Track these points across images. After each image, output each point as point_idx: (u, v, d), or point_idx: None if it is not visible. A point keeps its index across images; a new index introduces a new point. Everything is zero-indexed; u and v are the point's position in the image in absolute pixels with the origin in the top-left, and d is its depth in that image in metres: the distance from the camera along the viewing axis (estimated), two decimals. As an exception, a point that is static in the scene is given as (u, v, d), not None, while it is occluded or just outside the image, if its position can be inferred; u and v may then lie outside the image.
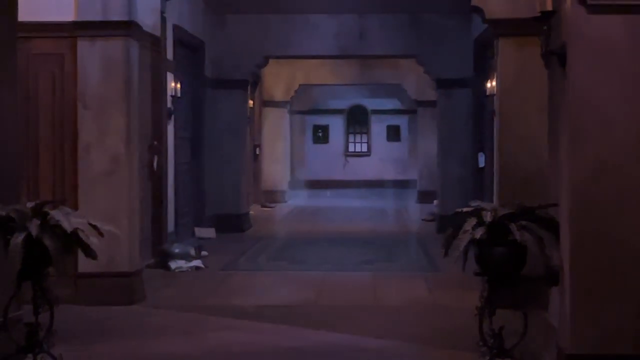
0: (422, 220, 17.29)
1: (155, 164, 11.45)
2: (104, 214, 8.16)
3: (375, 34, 15.87)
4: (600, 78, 5.61)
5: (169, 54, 12.43)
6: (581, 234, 5.63)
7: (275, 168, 23.81)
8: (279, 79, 23.12)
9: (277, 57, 17.03)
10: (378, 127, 32.57)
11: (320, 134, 32.70)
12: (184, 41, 13.52)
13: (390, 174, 30.83)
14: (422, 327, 8.13)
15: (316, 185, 30.05)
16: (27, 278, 5.84)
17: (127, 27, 8.85)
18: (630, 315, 5.63)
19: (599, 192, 5.62)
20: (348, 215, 20.30)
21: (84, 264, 8.18)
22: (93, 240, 6.07)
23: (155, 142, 11.52)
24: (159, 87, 11.78)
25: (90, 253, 6.10)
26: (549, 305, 6.52)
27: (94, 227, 6.09)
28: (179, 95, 12.84)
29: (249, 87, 16.80)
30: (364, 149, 32.99)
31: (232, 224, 15.68)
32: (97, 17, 8.82)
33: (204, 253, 12.13)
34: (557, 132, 6.15)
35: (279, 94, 23.57)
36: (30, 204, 6.02)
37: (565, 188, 5.74)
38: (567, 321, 5.70)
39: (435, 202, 16.80)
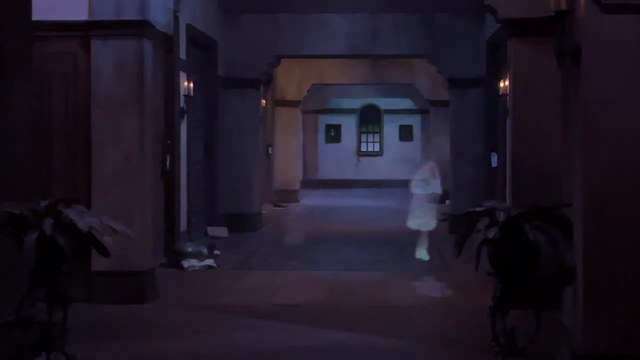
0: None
1: (168, 163, 11.47)
2: (116, 212, 8.16)
3: (387, 34, 15.84)
4: (614, 77, 5.59)
5: (182, 53, 12.45)
6: (595, 233, 5.61)
7: (288, 167, 23.79)
8: (291, 79, 23.12)
9: (290, 57, 17.05)
10: (390, 127, 32.53)
11: (332, 134, 32.69)
12: (197, 40, 13.53)
13: (402, 174, 30.79)
14: (434, 326, 8.13)
15: (328, 184, 30.05)
16: (40, 276, 5.86)
17: (140, 27, 8.87)
18: (643, 315, 5.61)
19: (613, 191, 5.60)
20: (360, 214, 20.30)
21: (97, 263, 8.21)
22: (106, 239, 6.09)
23: (168, 141, 11.54)
24: (172, 86, 11.80)
25: (103, 252, 6.12)
26: (562, 306, 6.51)
27: (108, 227, 6.11)
28: (191, 94, 12.85)
29: (261, 87, 16.80)
30: (376, 148, 32.96)
31: (245, 223, 15.68)
32: (110, 16, 8.84)
33: (216, 252, 12.14)
34: (570, 132, 6.14)
35: (291, 93, 23.57)
36: (44, 203, 6.04)
37: (579, 187, 5.73)
38: (580, 321, 5.69)
39: (447, 201, 16.76)
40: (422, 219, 12.25)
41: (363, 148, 32.95)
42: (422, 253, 12.20)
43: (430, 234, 12.41)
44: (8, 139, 6.47)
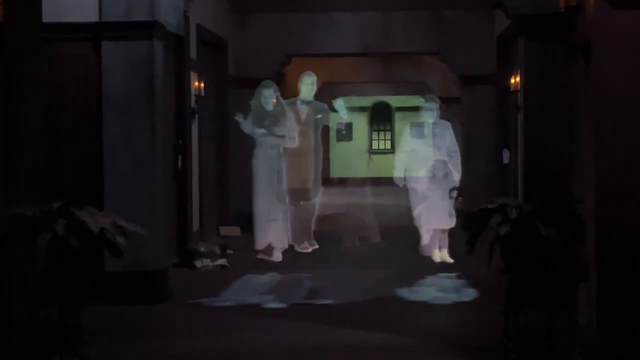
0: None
1: (179, 163, 11.48)
2: (128, 213, 8.16)
3: (398, 32, 15.80)
4: (624, 73, 5.57)
5: (193, 54, 12.46)
6: (607, 229, 5.60)
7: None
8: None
9: (300, 56, 17.01)
10: (402, 125, 32.50)
11: (343, 132, 32.65)
12: (207, 40, 13.54)
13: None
14: (448, 324, 8.12)
15: (340, 183, 30.02)
16: (53, 278, 5.88)
17: (151, 28, 8.88)
18: (657, 311, 5.59)
19: (624, 188, 5.58)
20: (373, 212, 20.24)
21: (110, 263, 8.23)
22: (119, 240, 6.10)
23: (180, 142, 11.55)
24: (183, 86, 11.81)
25: (116, 252, 6.14)
26: (576, 303, 6.49)
27: (120, 227, 6.13)
28: (202, 94, 12.86)
29: (272, 86, 16.76)
30: (388, 146, 32.94)
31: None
32: (120, 17, 8.85)
33: (229, 252, 12.14)
34: (582, 128, 6.12)
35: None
36: (56, 204, 6.06)
37: (591, 183, 5.71)
38: (594, 317, 5.67)
39: (459, 198, 16.71)
40: (441, 215, 12.09)
41: (374, 146, 32.92)
42: (444, 255, 12.03)
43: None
44: (19, 141, 6.49)
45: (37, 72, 6.83)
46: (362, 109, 32.45)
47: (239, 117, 12.12)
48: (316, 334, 7.75)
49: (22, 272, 6.13)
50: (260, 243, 12.06)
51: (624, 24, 5.53)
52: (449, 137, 12.26)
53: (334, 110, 13.62)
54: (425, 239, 12.37)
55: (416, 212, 12.38)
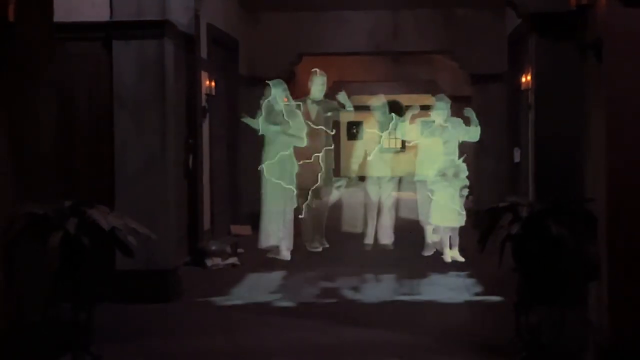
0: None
1: (190, 162, 11.50)
2: (140, 212, 8.20)
3: (409, 30, 15.80)
4: (636, 71, 5.56)
5: (203, 53, 12.47)
6: (618, 227, 5.58)
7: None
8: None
9: (311, 54, 17.03)
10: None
11: (354, 131, 32.64)
12: (218, 39, 13.55)
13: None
14: (458, 323, 8.11)
15: (353, 181, 30.00)
16: (65, 276, 5.90)
17: (162, 27, 8.89)
18: (669, 310, 5.58)
19: (636, 185, 5.57)
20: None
21: (121, 262, 8.24)
22: (130, 239, 6.12)
23: (191, 141, 11.57)
24: (194, 85, 11.83)
25: (127, 251, 6.15)
26: (587, 300, 6.48)
27: (132, 229, 6.15)
28: (213, 93, 12.88)
29: (283, 85, 16.76)
30: (398, 145, 32.90)
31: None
32: (131, 17, 8.87)
33: (240, 250, 12.16)
34: (593, 126, 6.11)
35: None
36: (67, 203, 6.07)
37: (602, 182, 5.70)
38: (605, 316, 5.66)
39: (469, 197, 16.69)
40: (451, 213, 12.06)
41: (385, 144, 32.86)
42: (455, 254, 12.01)
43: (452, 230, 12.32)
44: (31, 140, 6.51)
45: (48, 72, 6.85)
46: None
47: (246, 119, 12.12)
48: (326, 332, 7.75)
49: (34, 271, 6.15)
50: (265, 242, 12.06)
51: (636, 22, 5.51)
52: (463, 131, 12.35)
53: (341, 104, 13.65)
54: (429, 237, 12.41)
55: (424, 210, 12.42)
